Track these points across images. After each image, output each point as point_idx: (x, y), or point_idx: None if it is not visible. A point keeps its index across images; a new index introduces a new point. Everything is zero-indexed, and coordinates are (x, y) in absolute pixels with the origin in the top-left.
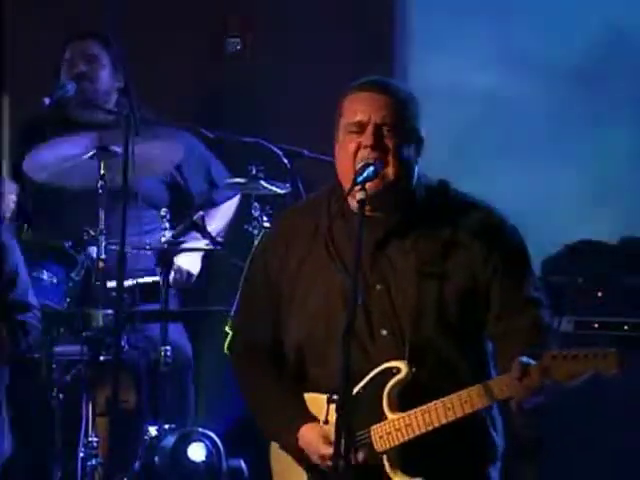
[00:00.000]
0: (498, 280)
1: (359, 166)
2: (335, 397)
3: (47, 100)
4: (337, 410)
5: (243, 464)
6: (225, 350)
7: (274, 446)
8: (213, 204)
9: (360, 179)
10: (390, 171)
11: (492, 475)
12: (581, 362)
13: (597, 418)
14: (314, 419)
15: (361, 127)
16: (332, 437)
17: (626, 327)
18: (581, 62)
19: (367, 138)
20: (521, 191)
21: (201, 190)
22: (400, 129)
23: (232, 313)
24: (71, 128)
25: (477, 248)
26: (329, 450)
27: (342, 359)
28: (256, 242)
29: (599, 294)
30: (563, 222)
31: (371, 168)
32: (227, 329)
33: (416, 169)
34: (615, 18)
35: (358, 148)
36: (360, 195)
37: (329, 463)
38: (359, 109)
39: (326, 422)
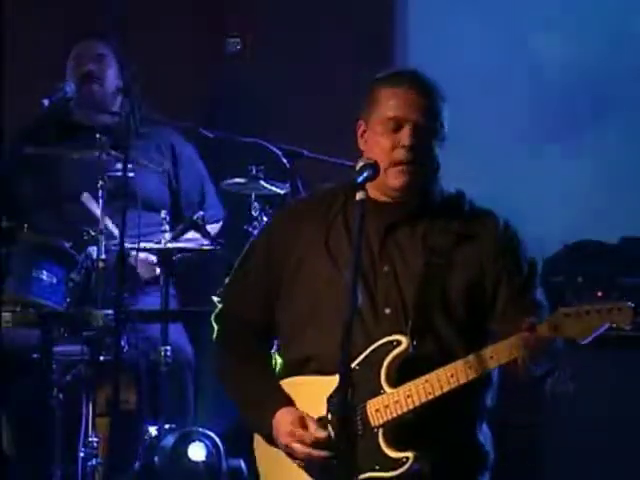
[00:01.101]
0: (506, 279)
1: (359, 166)
2: (334, 398)
3: (46, 101)
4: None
5: (243, 464)
6: (212, 320)
7: (258, 441)
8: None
9: (360, 179)
10: (422, 169)
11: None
12: (594, 317)
13: (598, 418)
14: (292, 403)
15: (398, 125)
16: (308, 421)
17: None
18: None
19: (405, 138)
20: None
21: (193, 201)
22: (433, 128)
23: (225, 284)
24: (73, 131)
25: (489, 246)
26: (301, 432)
27: (341, 363)
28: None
29: (599, 294)
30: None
31: (371, 169)
32: (215, 299)
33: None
34: None
35: (394, 146)
36: (360, 195)
37: (297, 446)
38: (398, 106)
39: (326, 422)
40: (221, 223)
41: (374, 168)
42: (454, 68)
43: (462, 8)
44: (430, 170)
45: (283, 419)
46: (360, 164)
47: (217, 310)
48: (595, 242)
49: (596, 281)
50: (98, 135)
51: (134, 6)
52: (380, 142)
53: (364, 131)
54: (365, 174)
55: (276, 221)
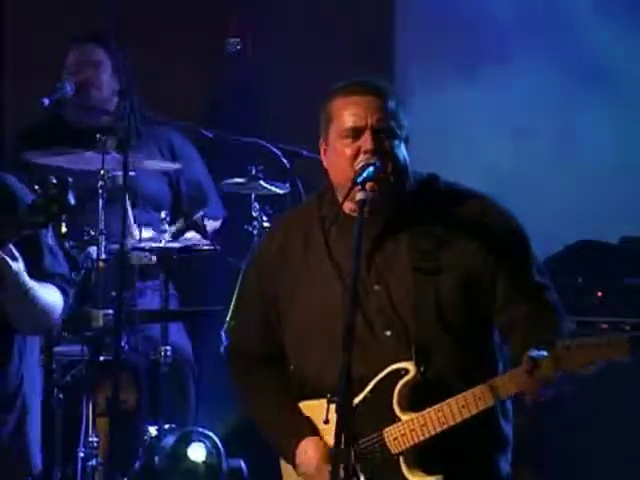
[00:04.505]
0: (501, 270)
1: (358, 166)
2: (335, 397)
3: (46, 101)
4: (337, 411)
5: (243, 464)
6: (223, 352)
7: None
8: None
9: (360, 179)
10: (390, 173)
11: (502, 466)
12: (593, 351)
13: (599, 418)
14: (314, 431)
15: (357, 132)
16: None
17: (626, 327)
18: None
19: (367, 143)
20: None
21: (193, 197)
22: (395, 129)
23: (227, 320)
24: (71, 133)
25: (474, 239)
26: (326, 467)
27: (342, 360)
28: (248, 256)
29: (599, 294)
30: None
31: (371, 168)
32: (222, 334)
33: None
34: None
35: (356, 153)
36: (360, 195)
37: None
38: (353, 114)
39: (326, 421)
40: (221, 221)
41: (374, 168)
42: (453, 69)
43: (462, 8)
44: (398, 171)
45: (308, 455)
46: (360, 164)
47: (224, 345)
48: (595, 242)
49: (596, 281)
50: (98, 135)
51: (134, 6)
52: (342, 154)
53: (325, 150)
54: (365, 174)
55: (262, 250)
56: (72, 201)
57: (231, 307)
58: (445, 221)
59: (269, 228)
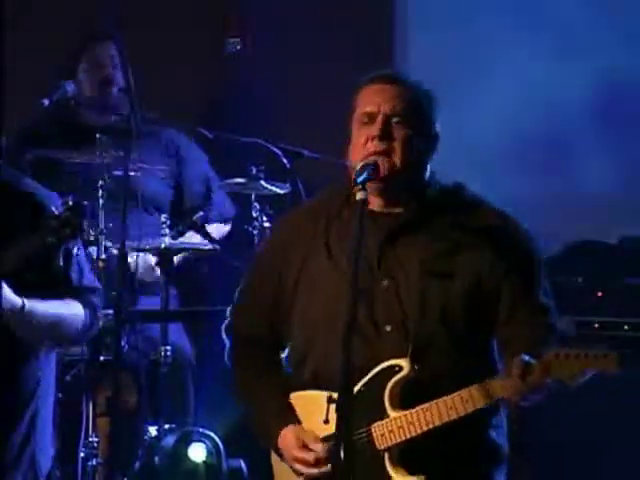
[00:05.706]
0: (508, 284)
1: (359, 166)
2: (335, 396)
3: (46, 101)
4: (337, 410)
5: (243, 464)
6: (222, 331)
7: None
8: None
9: (360, 179)
10: (397, 160)
11: (496, 478)
12: (582, 362)
13: (597, 418)
14: (297, 421)
15: (371, 118)
16: (309, 442)
17: (626, 327)
18: None
19: (375, 129)
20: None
21: (196, 202)
22: (410, 119)
23: (235, 297)
24: (73, 131)
25: (487, 250)
26: (302, 454)
27: (342, 357)
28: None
29: (599, 294)
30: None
31: (371, 168)
32: (228, 312)
33: (428, 166)
34: None
35: (367, 140)
36: (360, 195)
37: (299, 467)
38: (370, 100)
39: (326, 421)
40: (230, 224)
41: (375, 168)
42: (453, 69)
43: (462, 8)
44: (406, 161)
45: (287, 439)
46: (360, 164)
47: (226, 322)
48: (595, 242)
49: (596, 281)
50: (98, 135)
51: (134, 6)
52: (356, 143)
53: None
54: (365, 174)
55: (275, 232)
56: (84, 226)
57: (240, 286)
58: (462, 228)
59: (284, 216)
